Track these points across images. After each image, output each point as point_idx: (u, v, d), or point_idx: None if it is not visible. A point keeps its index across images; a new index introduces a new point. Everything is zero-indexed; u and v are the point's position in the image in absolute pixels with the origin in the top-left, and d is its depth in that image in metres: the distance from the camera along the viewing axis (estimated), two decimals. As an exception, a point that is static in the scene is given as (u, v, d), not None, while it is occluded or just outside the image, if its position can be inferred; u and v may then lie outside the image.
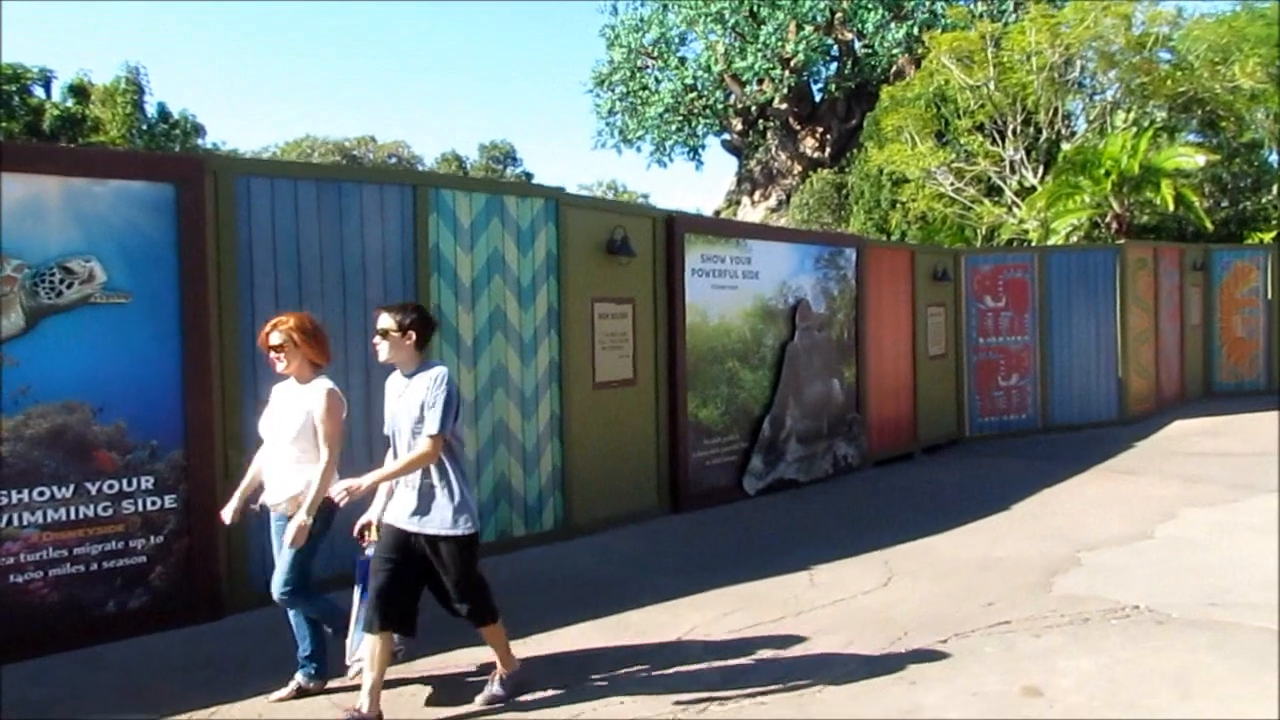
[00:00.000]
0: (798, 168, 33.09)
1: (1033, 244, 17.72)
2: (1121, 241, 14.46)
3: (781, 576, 6.23)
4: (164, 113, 31.76)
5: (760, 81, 31.26)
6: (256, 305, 5.70)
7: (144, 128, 30.81)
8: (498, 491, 6.94)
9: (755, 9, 30.77)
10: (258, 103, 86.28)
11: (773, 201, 34.67)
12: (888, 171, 24.14)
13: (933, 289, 11.95)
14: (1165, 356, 14.19)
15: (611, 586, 6.08)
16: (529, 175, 42.13)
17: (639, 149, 35.81)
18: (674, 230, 8.37)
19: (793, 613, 5.50)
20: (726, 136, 35.85)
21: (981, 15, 23.49)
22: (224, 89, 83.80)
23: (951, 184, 21.95)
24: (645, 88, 33.94)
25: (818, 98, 33.37)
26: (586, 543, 7.27)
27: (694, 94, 33.15)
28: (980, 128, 21.83)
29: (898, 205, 23.95)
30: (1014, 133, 20.77)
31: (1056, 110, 19.85)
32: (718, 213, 38.45)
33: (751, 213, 35.04)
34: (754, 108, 32.65)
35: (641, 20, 33.47)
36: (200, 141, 32.16)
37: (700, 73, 32.38)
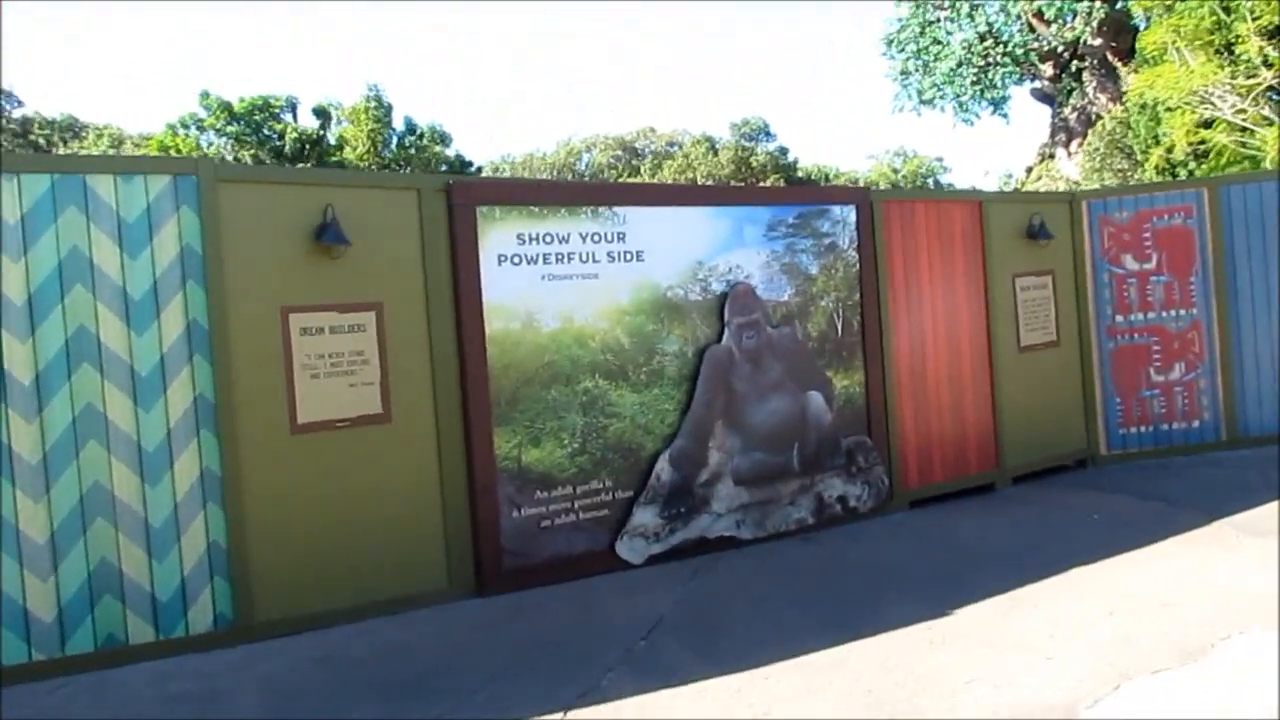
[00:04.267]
0: (1121, 109, 28.22)
1: None
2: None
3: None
4: (411, 126, 32.46)
5: (1074, 16, 26.99)
6: None
7: (391, 142, 31.65)
8: (97, 584, 5.00)
9: (1058, -64, 26.36)
10: (526, 111, 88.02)
11: (1093, 150, 29.93)
12: (1161, 101, 19.48)
13: (1025, 252, 8.49)
14: None
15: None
16: (783, 150, 39.22)
17: (942, 109, 32.35)
18: (455, 203, 5.99)
19: None
20: (1037, 84, 31.55)
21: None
22: (492, 103, 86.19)
23: (1231, 106, 17.13)
24: (937, 42, 30.63)
25: (1142, 26, 28.31)
26: (252, 652, 5.16)
27: (989, 41, 29.39)
28: (1274, 32, 16.86)
29: (1161, 140, 19.26)
30: (1323, 32, 15.74)
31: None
32: (1029, 170, 33.97)
33: (1068, 165, 30.51)
34: (1063, 48, 28.21)
35: (930, -31, 29.96)
36: (444, 150, 32.54)
37: (998, 16, 28.68)
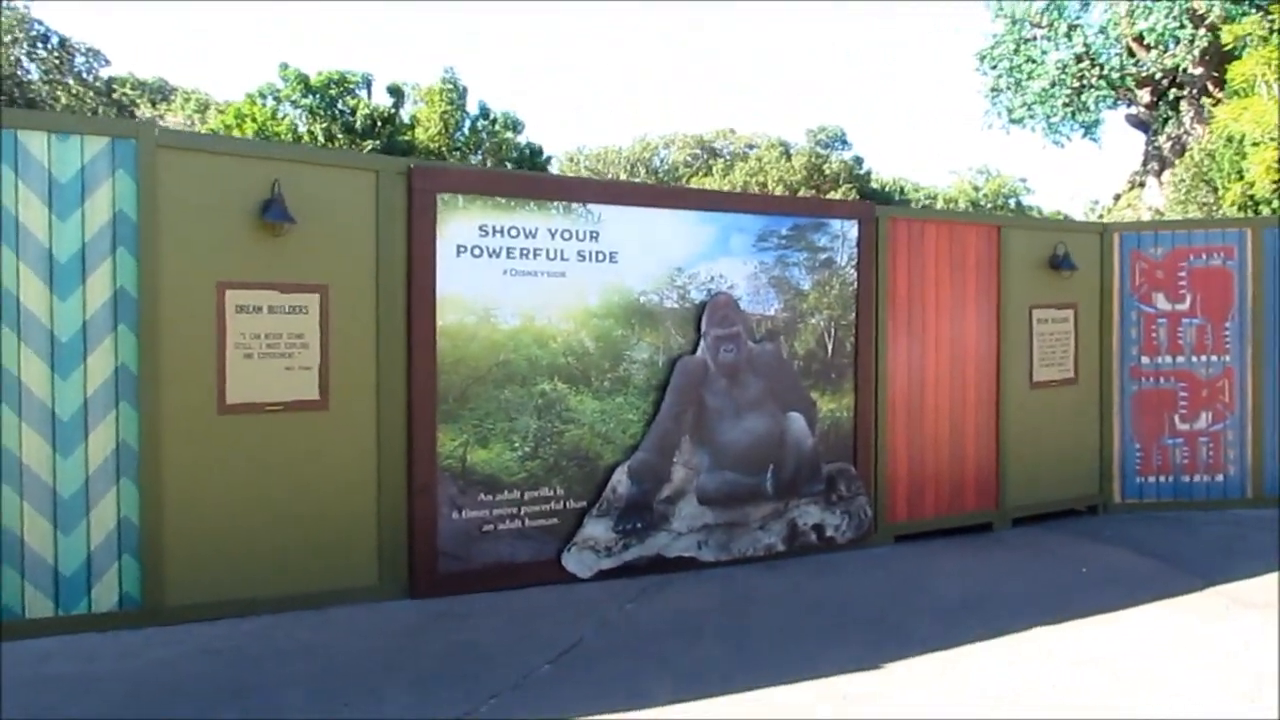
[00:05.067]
0: (1209, 141, 27.19)
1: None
2: None
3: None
4: (484, 110, 32.55)
5: (1178, 43, 26.10)
6: None
7: (464, 126, 31.81)
8: (-3, 553, 4.87)
9: (1163, -41, 25.48)
10: (606, 106, 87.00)
11: (1187, 181, 28.86)
12: (1246, 135, 18.67)
13: (1046, 282, 8.01)
14: None
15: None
16: (859, 159, 38.36)
17: (1033, 129, 31.54)
18: (415, 188, 5.75)
19: None
20: (1132, 110, 30.53)
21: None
22: (575, 99, 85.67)
23: (1319, 144, 16.33)
24: (1030, 60, 29.88)
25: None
26: (152, 637, 4.99)
27: (1085, 63, 28.57)
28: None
29: (1245, 174, 18.42)
30: None
31: None
32: (1117, 197, 32.98)
33: (1157, 195, 29.47)
34: (1161, 74, 27.25)
35: (1029, -14, 29.18)
36: (515, 136, 32.56)
37: (1096, 37, 27.87)
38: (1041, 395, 8.02)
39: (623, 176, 42.24)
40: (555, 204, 6.15)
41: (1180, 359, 8.22)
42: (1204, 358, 8.21)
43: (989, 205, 42.82)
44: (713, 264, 6.64)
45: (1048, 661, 4.84)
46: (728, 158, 45.00)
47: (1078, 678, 4.62)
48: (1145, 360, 8.26)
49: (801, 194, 34.93)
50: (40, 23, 27.16)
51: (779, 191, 35.05)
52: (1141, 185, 31.14)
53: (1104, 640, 5.13)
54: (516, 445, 6.05)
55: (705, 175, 40.24)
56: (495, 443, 5.99)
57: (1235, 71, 18.45)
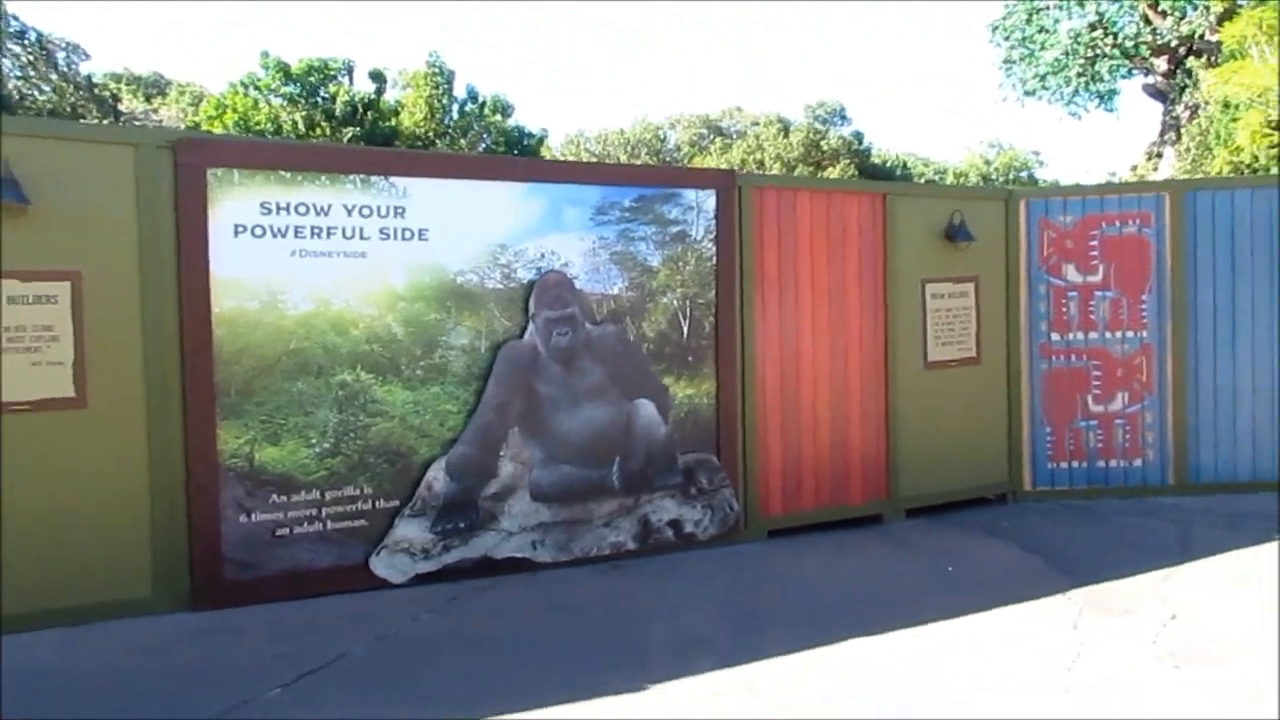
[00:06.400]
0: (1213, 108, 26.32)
1: None
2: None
3: None
4: (472, 94, 32.05)
5: (1195, 9, 25.35)
6: None
7: (451, 110, 31.34)
8: None
9: (1176, -76, 24.78)
10: (611, 89, 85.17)
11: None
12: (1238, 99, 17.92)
13: (941, 254, 7.40)
14: None
15: None
16: (859, 135, 37.37)
17: (1049, 101, 30.74)
18: (181, 163, 5.25)
19: None
20: (1150, 79, 29.60)
21: None
22: (578, 83, 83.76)
23: (1309, 108, 15.59)
24: (1043, 30, 29.14)
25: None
26: None
27: (1099, 32, 27.81)
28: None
29: (1229, 143, 17.64)
30: None
31: None
32: (1134, 169, 32.04)
33: (1176, 166, 28.54)
34: (1177, 42, 26.38)
35: (1041, -48, 28.51)
36: (503, 120, 31.99)
37: (1110, 5, 27.12)
38: (938, 376, 7.42)
39: (623, 158, 41.53)
40: (351, 178, 5.63)
41: (1093, 335, 7.59)
42: (1119, 334, 7.57)
43: (1000, 179, 41.76)
44: (542, 240, 6.10)
45: (827, 678, 4.28)
46: (733, 136, 44.18)
47: (850, 695, 4.07)
48: (1055, 337, 7.63)
49: (799, 171, 34.13)
50: (15, 18, 26.85)
51: (776, 169, 34.26)
52: (1159, 156, 30.17)
53: (909, 653, 4.59)
54: (314, 441, 5.55)
55: (705, 155, 39.50)
56: (288, 439, 5.50)
57: (1227, 34, 17.60)
